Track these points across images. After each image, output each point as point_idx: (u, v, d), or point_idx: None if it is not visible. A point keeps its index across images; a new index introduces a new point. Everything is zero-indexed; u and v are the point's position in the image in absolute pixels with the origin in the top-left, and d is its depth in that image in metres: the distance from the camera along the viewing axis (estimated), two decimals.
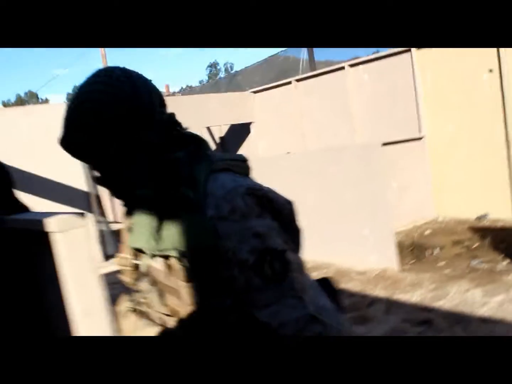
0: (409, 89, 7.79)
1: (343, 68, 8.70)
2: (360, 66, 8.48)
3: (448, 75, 7.40)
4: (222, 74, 60.05)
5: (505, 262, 5.43)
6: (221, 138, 11.75)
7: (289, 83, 9.73)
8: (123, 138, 1.28)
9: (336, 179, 5.81)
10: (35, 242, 2.01)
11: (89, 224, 1.88)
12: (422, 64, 7.62)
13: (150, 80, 1.39)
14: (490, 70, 7.53)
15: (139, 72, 1.39)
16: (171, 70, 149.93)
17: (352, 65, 8.59)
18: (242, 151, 11.20)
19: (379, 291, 5.14)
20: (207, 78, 60.27)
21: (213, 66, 64.24)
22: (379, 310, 4.69)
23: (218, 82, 17.87)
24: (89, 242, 1.90)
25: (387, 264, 5.59)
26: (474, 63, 7.08)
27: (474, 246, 6.25)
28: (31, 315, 2.12)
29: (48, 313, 2.07)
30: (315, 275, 5.25)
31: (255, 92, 10.56)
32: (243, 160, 1.41)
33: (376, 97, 8.31)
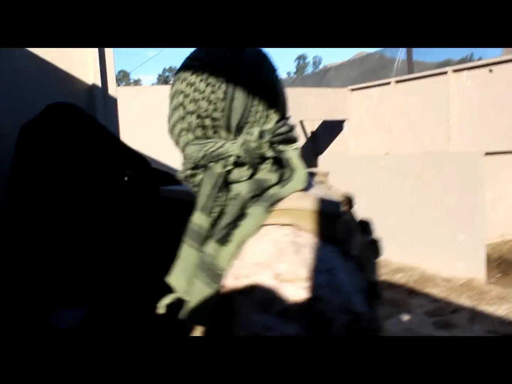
0: None
1: (445, 72, 8.59)
2: (464, 72, 8.34)
3: None
4: (310, 67, 59.74)
5: None
6: (313, 133, 11.90)
7: (388, 83, 9.72)
8: None
9: (435, 184, 5.84)
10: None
11: None
12: None
13: None
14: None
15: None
16: None
17: (455, 70, 8.46)
18: (333, 147, 11.30)
19: (464, 300, 5.14)
20: (295, 69, 60.23)
21: (301, 58, 64.11)
22: (463, 318, 4.71)
23: (307, 76, 17.94)
24: None
25: (474, 274, 5.56)
26: None
27: None
28: None
29: None
30: (399, 277, 5.31)
31: (352, 89, 10.62)
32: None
33: (478, 105, 8.14)
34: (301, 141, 11.30)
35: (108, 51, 3.51)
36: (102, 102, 3.42)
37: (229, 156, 0.88)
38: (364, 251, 0.96)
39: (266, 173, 0.89)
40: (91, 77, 3.43)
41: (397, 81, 9.61)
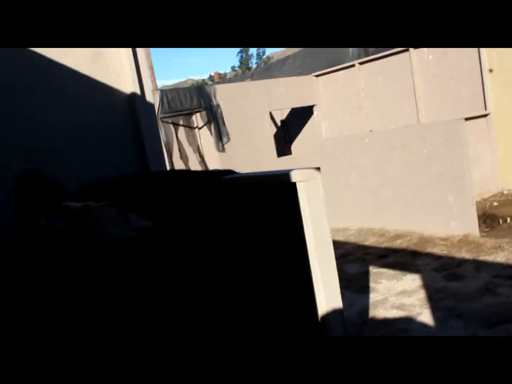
0: (475, 67, 8.22)
1: (407, 50, 9.14)
2: (425, 48, 8.92)
3: None
4: (254, 60, 59.94)
5: None
6: (282, 121, 12.33)
7: (353, 65, 10.22)
8: None
9: (420, 153, 6.36)
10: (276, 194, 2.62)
11: (320, 176, 2.48)
12: None
13: None
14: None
15: None
16: (199, 56, 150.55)
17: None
18: (304, 133, 11.75)
19: (464, 254, 5.68)
20: (239, 63, 60.34)
21: (244, 51, 64.27)
22: (469, 269, 5.23)
23: (256, 70, 18.28)
24: (321, 189, 2.52)
25: (468, 230, 6.12)
26: None
27: None
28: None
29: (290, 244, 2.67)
30: (400, 242, 5.79)
31: (317, 75, 11.07)
32: None
33: (441, 77, 8.75)
34: (273, 130, 11.71)
35: (142, 61, 3.78)
36: (143, 109, 3.69)
37: None
38: None
39: None
40: (130, 86, 3.69)
41: (361, 63, 10.12)
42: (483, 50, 8.07)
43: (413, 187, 6.57)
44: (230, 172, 3.35)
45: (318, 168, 2.49)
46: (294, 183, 2.51)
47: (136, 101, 3.68)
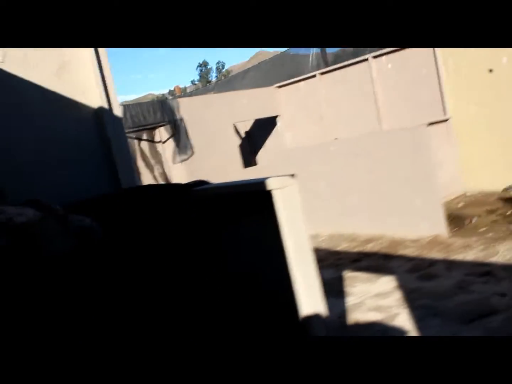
0: (432, 74, 8.44)
1: (366, 60, 9.33)
2: (384, 57, 9.12)
3: (469, 60, 8.05)
4: (213, 73, 60.13)
5: None
6: (247, 132, 12.35)
7: (314, 76, 10.35)
8: None
9: (386, 159, 6.47)
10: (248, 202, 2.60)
11: (296, 183, 2.49)
12: (444, 50, 8.27)
13: None
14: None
15: None
16: (158, 72, 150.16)
17: (375, 56, 9.23)
18: (269, 143, 11.81)
19: (435, 254, 5.79)
20: (198, 77, 60.50)
21: (203, 65, 64.56)
22: (441, 268, 5.33)
23: (217, 83, 18.36)
24: (297, 195, 2.53)
25: (437, 231, 6.24)
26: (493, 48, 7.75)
27: (508, 213, 6.91)
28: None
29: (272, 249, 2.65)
30: (371, 246, 5.88)
31: (279, 87, 11.16)
32: None
33: (400, 84, 8.95)
34: (237, 142, 11.72)
35: (107, 74, 3.72)
36: (111, 124, 3.62)
37: None
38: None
39: None
40: (97, 101, 3.62)
41: (322, 73, 10.27)
42: (439, 56, 8.30)
43: (380, 192, 6.67)
44: (202, 183, 3.32)
45: (293, 175, 2.50)
46: (270, 191, 2.52)
47: (104, 115, 3.61)
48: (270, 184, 2.47)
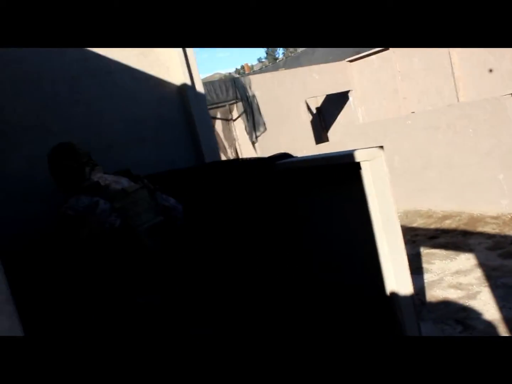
0: None
1: None
2: None
3: None
4: (280, 50, 59.75)
5: None
6: (318, 108, 12.27)
7: (387, 49, 10.09)
8: None
9: (466, 132, 6.25)
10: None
11: (384, 155, 2.48)
12: None
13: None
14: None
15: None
16: (224, 51, 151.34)
17: None
18: (341, 119, 11.68)
19: None
20: (265, 55, 60.20)
21: None
22: None
23: (286, 60, 18.16)
24: (385, 168, 2.52)
25: None
26: None
27: None
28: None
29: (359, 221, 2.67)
30: (449, 223, 5.71)
31: (350, 61, 10.98)
32: None
33: (479, 54, 8.57)
34: (309, 118, 11.67)
35: (190, 53, 3.82)
36: (194, 100, 3.73)
37: None
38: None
39: None
40: (180, 78, 3.73)
41: None
42: None
43: (460, 167, 6.48)
44: (286, 156, 3.34)
45: (381, 147, 2.49)
46: (358, 163, 2.50)
47: (187, 92, 3.72)
48: (359, 156, 2.46)
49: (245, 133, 9.91)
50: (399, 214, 7.16)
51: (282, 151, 9.00)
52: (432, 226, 6.38)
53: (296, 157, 3.24)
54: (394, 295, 2.59)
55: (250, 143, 9.91)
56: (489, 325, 3.76)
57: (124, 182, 2.75)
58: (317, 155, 3.06)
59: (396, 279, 2.59)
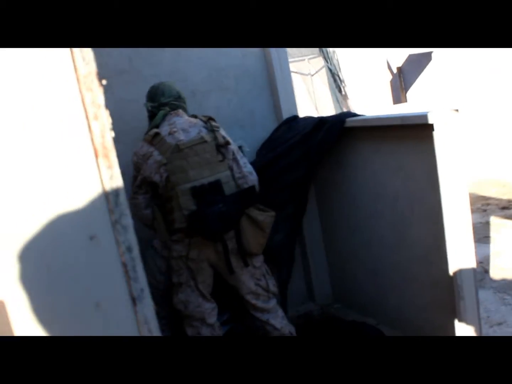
0: None
1: None
2: None
3: None
4: None
5: None
6: (399, 68, 11.94)
7: None
8: None
9: None
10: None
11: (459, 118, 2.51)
12: None
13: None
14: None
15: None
16: None
17: None
18: (422, 80, 11.34)
19: None
20: None
21: None
22: None
23: None
24: (459, 133, 2.54)
25: None
26: None
27: None
28: None
29: None
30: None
31: None
32: None
33: None
34: (389, 78, 11.41)
35: None
36: (275, 52, 3.81)
37: None
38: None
39: None
40: None
41: None
42: None
43: None
44: (353, 115, 3.39)
45: (457, 110, 2.50)
46: (432, 125, 2.53)
47: (271, 55, 3.77)
48: (432, 118, 2.49)
49: (325, 88, 9.87)
50: (473, 181, 7.03)
51: (360, 108, 8.86)
52: (506, 197, 6.24)
53: (364, 115, 3.29)
54: (454, 259, 2.66)
55: (326, 99, 9.88)
56: None
57: (193, 132, 2.75)
58: (390, 114, 3.11)
59: (459, 249, 2.65)
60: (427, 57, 10.93)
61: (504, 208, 5.88)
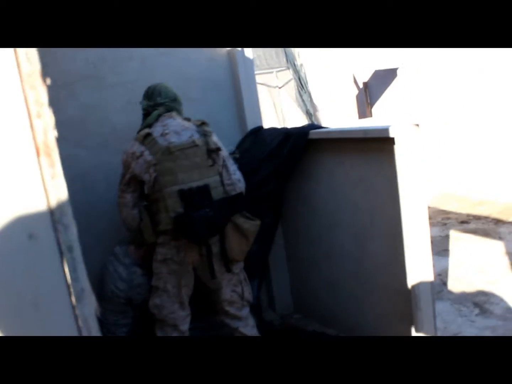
0: None
1: None
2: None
3: None
4: None
5: None
6: (365, 83, 12.16)
7: None
8: None
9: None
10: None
11: (420, 133, 2.56)
12: None
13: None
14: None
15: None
16: None
17: None
18: (387, 96, 11.57)
19: None
20: None
21: None
22: None
23: None
24: (420, 146, 2.58)
25: None
26: None
27: None
28: None
29: None
30: (482, 209, 5.72)
31: None
32: None
33: None
34: (354, 92, 11.60)
35: None
36: (242, 64, 3.83)
37: None
38: None
39: None
40: None
41: None
42: None
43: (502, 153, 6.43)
44: (317, 127, 3.44)
45: (418, 125, 2.56)
46: (392, 139, 2.58)
47: (236, 55, 3.82)
48: (393, 132, 2.54)
49: (290, 101, 9.96)
50: (434, 196, 7.19)
51: (325, 120, 8.89)
52: (465, 211, 6.39)
53: (328, 128, 3.34)
54: (412, 271, 2.70)
55: (294, 111, 9.98)
56: (508, 311, 3.84)
57: (185, 135, 2.76)
58: (353, 127, 3.16)
59: (417, 261, 2.69)
60: (393, 73, 11.16)
61: (463, 222, 6.02)
